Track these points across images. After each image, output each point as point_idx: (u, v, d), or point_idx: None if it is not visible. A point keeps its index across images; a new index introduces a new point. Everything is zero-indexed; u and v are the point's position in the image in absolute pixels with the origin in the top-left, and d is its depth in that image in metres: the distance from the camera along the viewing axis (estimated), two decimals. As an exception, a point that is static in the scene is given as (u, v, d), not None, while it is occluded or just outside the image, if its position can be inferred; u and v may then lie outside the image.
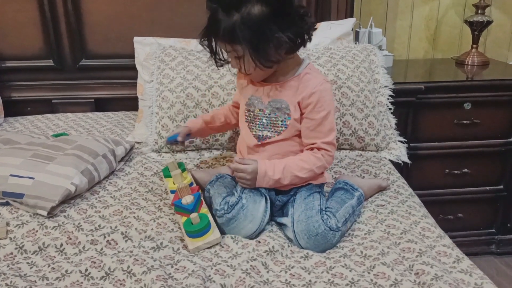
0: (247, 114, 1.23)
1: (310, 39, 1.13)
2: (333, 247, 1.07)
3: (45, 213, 1.15)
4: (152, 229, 1.12)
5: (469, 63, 2.05)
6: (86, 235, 1.08)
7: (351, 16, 1.86)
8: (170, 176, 1.25)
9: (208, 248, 1.03)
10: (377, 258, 1.00)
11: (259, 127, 1.20)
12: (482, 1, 1.99)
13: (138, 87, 1.79)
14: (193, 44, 1.77)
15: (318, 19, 1.89)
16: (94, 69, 1.94)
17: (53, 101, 1.94)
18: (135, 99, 1.81)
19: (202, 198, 1.13)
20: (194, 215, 1.02)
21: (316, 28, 1.12)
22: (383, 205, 1.24)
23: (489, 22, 2.00)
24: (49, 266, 0.99)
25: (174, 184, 1.21)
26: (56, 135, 1.55)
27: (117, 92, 1.96)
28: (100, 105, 1.96)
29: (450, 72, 2.01)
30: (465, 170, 1.88)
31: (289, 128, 1.17)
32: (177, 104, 1.53)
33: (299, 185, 1.18)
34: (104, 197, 1.27)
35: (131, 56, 1.84)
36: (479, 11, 2.01)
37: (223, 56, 1.17)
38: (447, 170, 1.88)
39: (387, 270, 0.95)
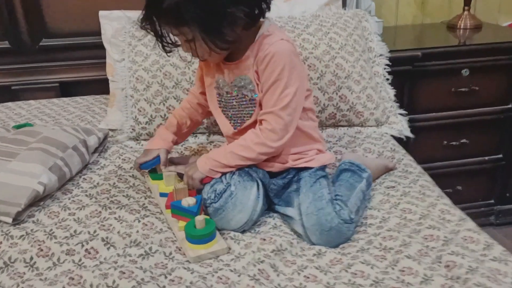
0: (219, 99, 1.08)
1: (268, 8, 0.96)
2: (347, 240, 0.95)
3: (10, 220, 0.99)
4: (138, 231, 0.97)
5: (462, 27, 1.93)
6: (60, 244, 0.92)
7: (339, -21, 1.71)
8: (159, 179, 1.09)
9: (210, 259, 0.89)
10: (399, 250, 0.88)
11: (232, 111, 1.06)
12: (474, -41, 1.86)
13: (108, 68, 1.60)
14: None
15: (303, -16, 1.72)
16: (57, 50, 1.74)
17: (12, 87, 1.74)
18: (105, 81, 1.63)
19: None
20: (200, 218, 0.87)
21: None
22: (394, 187, 1.12)
23: (482, -18, 1.88)
24: (18, 286, 0.83)
25: (166, 186, 1.05)
26: (18, 126, 1.36)
27: (85, 74, 1.77)
28: (66, 90, 1.78)
29: (444, 37, 1.90)
30: (464, 140, 1.79)
31: (259, 107, 1.02)
32: (154, 85, 1.36)
33: (297, 167, 1.04)
34: (78, 196, 1.10)
35: (98, 33, 1.65)
36: (472, -30, 1.88)
37: (171, 39, 1.00)
38: (445, 142, 1.78)
39: (414, 264, 0.84)
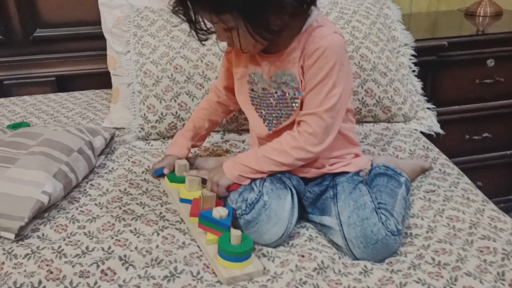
0: (252, 95, 0.96)
1: None
2: (394, 254, 0.85)
3: (12, 236, 0.88)
4: (158, 246, 0.86)
5: (481, 14, 1.83)
6: (72, 265, 0.81)
7: (357, -37, 1.59)
8: (178, 181, 0.98)
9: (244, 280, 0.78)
10: (456, 267, 0.79)
11: (267, 110, 0.95)
12: None
13: (109, 60, 1.48)
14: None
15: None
16: (52, 41, 1.61)
17: (4, 82, 1.60)
18: (106, 74, 1.51)
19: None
20: (237, 233, 0.77)
21: None
22: (434, 191, 1.03)
23: (504, -34, 1.78)
24: (26, 317, 0.72)
25: (187, 191, 0.94)
26: (14, 126, 1.24)
27: (83, 67, 1.64)
28: (63, 84, 1.65)
29: (464, 25, 1.80)
30: (486, 134, 1.70)
31: (300, 107, 0.91)
32: (164, 79, 1.24)
33: (334, 172, 0.94)
34: (86, 206, 0.99)
35: (97, 22, 1.52)
36: (492, -47, 1.78)
37: (205, 25, 0.88)
38: (467, 136, 1.70)
39: (475, 283, 0.75)
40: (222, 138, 1.28)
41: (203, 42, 0.91)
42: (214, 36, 0.90)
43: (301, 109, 0.90)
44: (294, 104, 0.91)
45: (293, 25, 0.86)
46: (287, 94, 0.91)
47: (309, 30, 0.87)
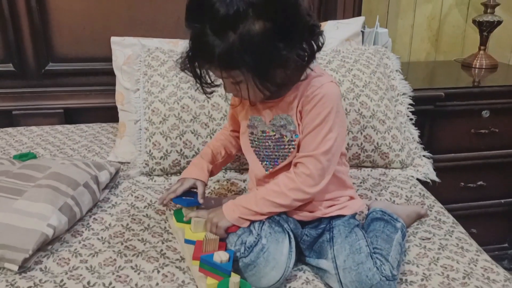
0: (251, 138, 1.01)
1: (319, 49, 0.91)
2: (389, 299, 0.87)
3: (15, 267, 0.89)
4: (158, 284, 0.88)
5: (477, 66, 1.91)
6: (73, 299, 0.83)
7: (359, 14, 1.68)
8: (185, 222, 1.01)
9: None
10: (450, 316, 0.80)
11: (265, 152, 0.99)
12: (491, 0, 1.85)
13: (117, 96, 1.53)
14: (183, 46, 1.51)
15: (322, 17, 1.69)
16: (63, 75, 1.66)
17: (13, 112, 1.64)
18: (112, 108, 1.55)
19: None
20: (236, 280, 0.78)
21: (324, 38, 0.91)
22: (429, 239, 1.05)
23: (499, 22, 1.87)
24: None
25: (192, 232, 0.97)
26: (21, 156, 1.27)
27: (91, 101, 1.69)
28: (71, 117, 1.69)
29: (461, 76, 1.87)
30: (481, 182, 1.74)
31: (296, 149, 0.96)
32: (171, 118, 1.29)
33: (330, 216, 0.97)
34: (89, 240, 1.01)
35: (107, 59, 1.59)
36: (488, 11, 1.87)
37: (210, 79, 0.93)
38: (462, 184, 1.74)
39: (468, 334, 0.76)
40: (223, 177, 1.31)
41: (208, 95, 0.96)
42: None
43: (297, 151, 0.94)
44: (291, 147, 0.96)
45: (295, 77, 0.91)
46: (284, 137, 0.95)
47: (308, 79, 0.93)
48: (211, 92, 0.95)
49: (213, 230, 0.93)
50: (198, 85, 0.93)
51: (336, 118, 0.91)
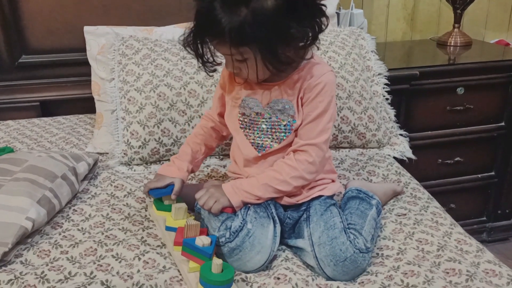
0: (241, 119, 1.01)
1: (322, 31, 0.92)
2: (364, 271, 0.90)
3: (-5, 261, 0.89)
4: (139, 270, 0.89)
5: (452, 44, 1.93)
6: (54, 290, 0.83)
7: (334, -4, 1.68)
8: (165, 210, 1.01)
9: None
10: (424, 288, 0.83)
11: (257, 133, 1.00)
12: (464, -23, 1.87)
13: (93, 86, 1.52)
14: (157, 33, 1.52)
15: (297, 0, 1.68)
16: (37, 67, 1.64)
17: (-12, 107, 1.62)
18: (89, 99, 1.55)
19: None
20: (218, 262, 0.79)
21: (328, 20, 0.93)
22: (405, 214, 1.08)
23: (471, 0, 1.88)
24: None
25: (173, 219, 0.97)
26: (-3, 151, 1.26)
27: (67, 93, 1.67)
28: (47, 109, 1.67)
29: (436, 55, 1.89)
30: (458, 158, 1.78)
31: (293, 133, 0.98)
32: (148, 106, 1.28)
33: (310, 198, 0.99)
34: (69, 231, 1.01)
35: (81, 49, 1.57)
36: (461, -12, 1.88)
37: (212, 57, 0.94)
38: (440, 160, 1.77)
39: (441, 304, 0.79)
40: (203, 163, 1.31)
41: (210, 74, 0.97)
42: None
43: (295, 135, 0.97)
44: (287, 131, 0.97)
45: (299, 56, 0.93)
46: (281, 121, 0.97)
47: (309, 65, 0.95)
48: (213, 70, 0.96)
49: (210, 203, 0.93)
50: (200, 63, 0.93)
51: (334, 106, 0.96)
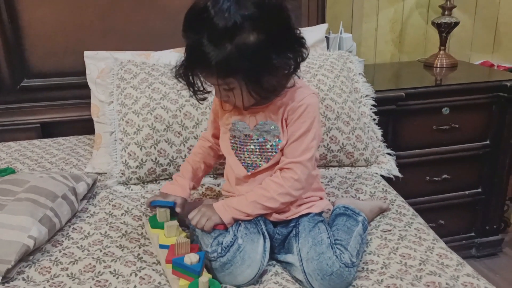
0: (232, 142, 1.08)
1: (304, 60, 0.99)
2: (350, 285, 0.94)
3: (-2, 278, 0.94)
4: (135, 286, 0.94)
5: (438, 65, 2.01)
6: (55, 305, 0.88)
7: (323, 21, 1.76)
8: (159, 227, 1.06)
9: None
10: (405, 300, 0.88)
11: (247, 154, 1.06)
12: (448, 2, 1.95)
13: (93, 108, 1.58)
14: (155, 58, 1.59)
15: (288, 25, 1.76)
16: (38, 90, 1.71)
17: (-10, 128, 1.67)
18: (88, 121, 1.60)
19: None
20: (204, 279, 0.84)
21: (308, 50, 1.00)
22: (390, 230, 1.13)
23: (456, 23, 1.97)
24: None
25: (166, 237, 1.02)
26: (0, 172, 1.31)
27: (67, 115, 1.73)
28: (47, 130, 1.73)
29: (423, 76, 1.97)
30: (445, 176, 1.84)
31: (279, 153, 1.04)
32: (145, 128, 1.34)
33: (298, 215, 1.04)
34: (69, 249, 1.06)
35: (81, 73, 1.64)
36: (446, 12, 1.97)
37: (202, 86, 1.00)
38: (428, 177, 1.83)
39: (420, 315, 0.84)
40: (202, 185, 1.36)
41: (201, 102, 1.04)
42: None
43: (281, 155, 1.03)
44: (273, 151, 1.03)
45: (282, 84, 1.00)
46: (267, 141, 1.03)
47: (292, 90, 1.02)
48: (204, 98, 1.03)
49: (203, 222, 0.98)
50: (191, 92, 1.00)
51: (317, 126, 1.02)
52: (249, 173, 1.06)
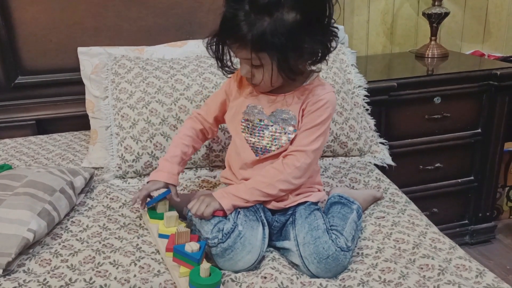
0: (244, 124, 1.09)
1: (331, 52, 1.01)
2: (345, 269, 0.97)
3: (0, 271, 0.95)
4: (135, 275, 0.95)
5: (429, 56, 2.03)
6: (56, 295, 0.89)
7: (315, 14, 1.77)
8: (158, 218, 1.07)
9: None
10: (399, 283, 0.90)
11: (257, 138, 1.07)
12: (438, -7, 1.98)
13: (88, 104, 1.58)
14: (148, 52, 1.60)
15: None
16: (33, 87, 1.71)
17: (-15, 126, 1.68)
18: (83, 116, 1.61)
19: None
20: (206, 266, 0.86)
21: (337, 43, 1.03)
22: (384, 217, 1.15)
23: (446, 14, 1.99)
24: None
25: (166, 228, 1.04)
26: (-3, 168, 1.32)
27: (62, 111, 1.74)
28: (43, 127, 1.73)
29: (414, 66, 1.99)
30: (438, 164, 1.86)
31: (291, 142, 1.06)
32: (140, 122, 1.36)
33: (296, 203, 1.06)
34: (69, 241, 1.07)
35: (75, 69, 1.64)
36: (436, 3, 1.99)
37: (230, 61, 1.03)
38: (421, 166, 1.85)
39: (414, 296, 0.86)
40: (194, 175, 1.38)
41: (228, 76, 1.10)
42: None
43: (291, 143, 1.05)
44: (287, 139, 1.05)
45: (304, 74, 1.03)
46: (282, 129, 1.05)
47: (314, 85, 1.05)
48: (231, 72, 1.06)
49: (202, 208, 0.99)
50: (219, 65, 1.03)
51: (329, 123, 1.05)
52: (258, 158, 1.07)
